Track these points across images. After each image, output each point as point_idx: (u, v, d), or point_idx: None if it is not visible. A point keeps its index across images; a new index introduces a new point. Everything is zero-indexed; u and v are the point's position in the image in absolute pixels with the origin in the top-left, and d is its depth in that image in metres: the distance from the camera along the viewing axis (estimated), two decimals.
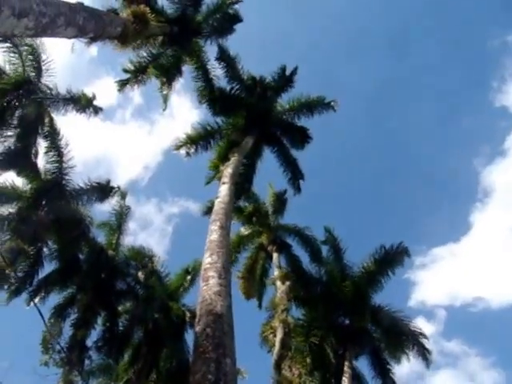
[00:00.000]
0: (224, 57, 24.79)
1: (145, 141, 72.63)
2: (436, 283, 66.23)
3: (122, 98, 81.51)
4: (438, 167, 60.14)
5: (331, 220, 57.31)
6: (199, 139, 25.45)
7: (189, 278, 27.77)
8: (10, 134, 23.27)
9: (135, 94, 74.57)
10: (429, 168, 59.89)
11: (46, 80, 23.75)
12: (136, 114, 73.47)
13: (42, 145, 24.27)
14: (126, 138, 73.02)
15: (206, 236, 14.02)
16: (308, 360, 22.17)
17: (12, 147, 23.24)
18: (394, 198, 60.96)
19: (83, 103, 24.32)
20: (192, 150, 25.51)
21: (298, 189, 26.64)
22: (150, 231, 67.71)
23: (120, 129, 71.55)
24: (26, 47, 22.41)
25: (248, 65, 25.33)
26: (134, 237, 34.71)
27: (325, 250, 26.79)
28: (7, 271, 20.22)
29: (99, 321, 25.75)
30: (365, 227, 58.45)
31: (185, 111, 64.16)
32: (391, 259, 24.70)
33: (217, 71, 25.18)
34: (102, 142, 70.37)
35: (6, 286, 21.86)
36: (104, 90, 72.17)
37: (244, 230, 29.87)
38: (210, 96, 25.05)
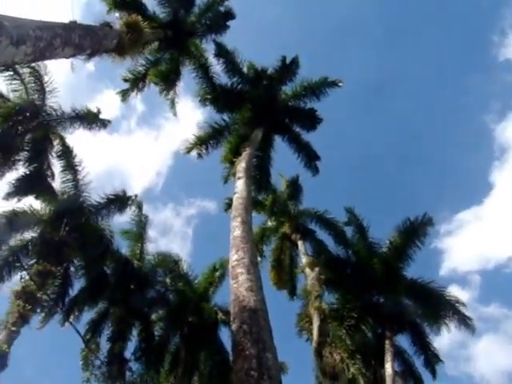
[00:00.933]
0: (222, 52, 24.80)
1: (153, 147, 72.89)
2: (465, 249, 65.66)
3: (125, 108, 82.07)
4: (449, 130, 59.42)
5: (349, 200, 56.83)
6: (208, 139, 25.47)
7: (217, 274, 27.73)
8: (23, 159, 23.42)
9: (137, 102, 74.79)
10: (441, 132, 59.26)
11: (51, 101, 23.92)
12: (141, 122, 73.68)
13: (56, 165, 24.44)
14: (135, 147, 73.33)
15: (227, 232, 14.02)
16: (348, 343, 22.07)
17: (26, 172, 23.37)
18: (409, 168, 60.35)
19: (90, 119, 24.42)
20: (203, 151, 25.52)
21: (315, 170, 26.55)
22: (171, 236, 67.98)
23: (127, 139, 71.90)
24: (27, 71, 22.57)
25: (247, 56, 25.37)
26: (156, 244, 34.81)
27: (348, 231, 26.71)
28: (38, 295, 20.25)
29: (135, 332, 25.80)
30: (383, 202, 58.03)
31: (188, 112, 64.31)
32: (417, 231, 24.50)
33: (216, 69, 25.29)
34: (111, 155, 70.74)
35: (38, 310, 21.93)
36: (106, 104, 72.36)
37: (266, 222, 29.84)
38: (213, 94, 25.05)
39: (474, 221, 67.19)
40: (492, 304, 65.64)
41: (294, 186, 29.45)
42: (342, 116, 55.17)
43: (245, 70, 24.95)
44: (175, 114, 27.36)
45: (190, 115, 64.95)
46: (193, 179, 63.96)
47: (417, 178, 59.37)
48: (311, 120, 25.33)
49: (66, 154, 24.13)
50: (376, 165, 60.83)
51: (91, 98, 68.45)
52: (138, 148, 73.56)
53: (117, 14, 22.51)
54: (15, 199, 23.28)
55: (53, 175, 24.43)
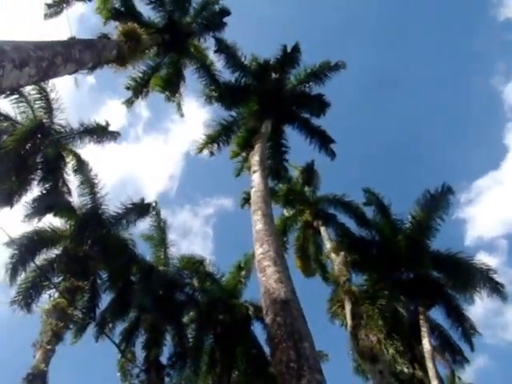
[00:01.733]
0: (222, 47, 24.90)
1: (163, 151, 73.05)
2: (488, 215, 65.04)
3: (130, 116, 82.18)
4: (457, 96, 58.78)
5: (365, 180, 56.47)
6: (218, 136, 25.54)
7: (243, 270, 27.76)
8: (37, 179, 23.55)
9: (142, 109, 74.95)
10: (449, 98, 58.56)
11: (59, 119, 24.08)
12: (148, 129, 73.97)
13: (71, 180, 24.59)
14: (145, 154, 73.60)
15: (248, 227, 14.04)
16: (382, 323, 21.99)
17: (43, 192, 23.48)
18: (421, 141, 59.72)
19: (99, 133, 24.52)
20: (214, 149, 25.57)
21: (332, 153, 26.49)
22: (191, 237, 68.12)
23: (136, 146, 72.10)
24: (33, 91, 22.74)
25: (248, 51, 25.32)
26: (178, 247, 34.78)
27: (368, 212, 26.50)
28: (69, 311, 20.36)
29: (168, 337, 25.82)
30: (400, 177, 57.51)
31: (194, 112, 64.40)
32: (438, 202, 24.34)
33: (219, 66, 25.46)
34: (122, 164, 71.02)
35: (71, 326, 22.03)
36: (111, 114, 72.54)
37: (286, 213, 29.67)
38: (218, 92, 25.09)
39: (493, 186, 66.61)
40: None
41: (310, 172, 29.16)
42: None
43: (247, 63, 24.94)
44: (182, 116, 27.44)
45: (195, 115, 65.12)
46: (206, 178, 64.18)
47: (430, 150, 58.82)
48: (319, 105, 25.25)
49: (82, 168, 24.22)
50: (387, 140, 60.40)
51: (96, 111, 68.75)
52: (148, 154, 73.88)
53: (114, 24, 22.63)
54: (35, 220, 23.43)
55: (69, 191, 24.56)
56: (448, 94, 58.84)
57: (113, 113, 71.24)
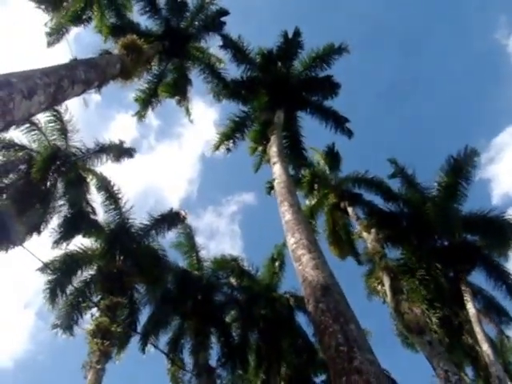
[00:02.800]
0: (227, 42, 24.88)
1: (178, 156, 73.23)
2: (511, 170, 64.03)
3: (141, 128, 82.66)
4: (463, 55, 58.06)
5: (384, 151, 56.00)
6: (233, 132, 25.50)
7: (277, 262, 27.78)
8: (60, 203, 23.76)
9: (152, 118, 75.21)
10: (455, 59, 57.86)
11: (74, 141, 24.32)
12: (159, 137, 74.41)
13: (95, 199, 24.76)
14: (161, 162, 73.85)
15: (274, 218, 14.03)
16: (423, 294, 21.86)
17: (67, 216, 23.64)
18: (434, 106, 59.02)
19: (115, 151, 24.67)
20: (230, 145, 25.57)
21: (349, 132, 26.26)
22: (219, 238, 68.24)
23: (151, 156, 72.41)
24: (47, 115, 22.97)
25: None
26: (207, 249, 34.78)
27: (394, 185, 26.22)
28: (113, 328, 20.48)
29: (214, 339, 25.91)
30: (417, 146, 56.88)
31: (202, 112, 64.51)
32: (463, 165, 23.93)
33: (222, 66, 25.63)
34: (141, 176, 71.41)
35: (117, 343, 22.15)
36: (122, 128, 72.88)
37: (308, 202, 29.49)
38: (226, 89, 25.11)
39: None
40: None
41: (332, 155, 28.85)
42: None
43: (253, 56, 24.97)
44: (191, 121, 27.52)
45: (204, 115, 65.40)
46: (225, 177, 64.37)
47: (442, 113, 58.14)
48: (329, 87, 25.06)
49: (104, 185, 24.34)
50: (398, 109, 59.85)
51: (106, 127, 69.10)
52: (164, 161, 74.14)
53: (112, 40, 22.84)
54: (64, 244, 23.59)
55: (94, 210, 24.67)
56: (454, 54, 58.19)
57: (123, 126, 71.50)
